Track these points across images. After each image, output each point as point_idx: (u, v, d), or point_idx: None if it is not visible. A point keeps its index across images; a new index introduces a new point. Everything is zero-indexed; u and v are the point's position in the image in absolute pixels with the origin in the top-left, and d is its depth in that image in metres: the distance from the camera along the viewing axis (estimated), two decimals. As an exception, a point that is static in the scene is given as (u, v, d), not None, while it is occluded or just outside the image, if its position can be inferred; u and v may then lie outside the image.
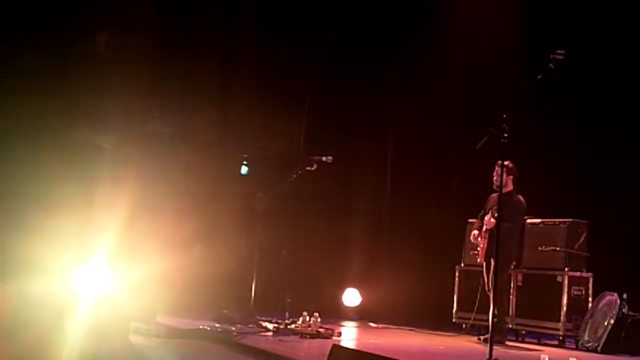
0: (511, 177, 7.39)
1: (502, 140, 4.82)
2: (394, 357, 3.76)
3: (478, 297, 7.54)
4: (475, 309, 7.63)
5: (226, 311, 7.73)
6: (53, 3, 8.28)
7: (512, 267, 7.77)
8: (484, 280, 7.46)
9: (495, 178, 7.11)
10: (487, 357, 4.86)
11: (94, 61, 8.45)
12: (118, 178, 7.44)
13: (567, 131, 8.59)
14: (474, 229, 7.65)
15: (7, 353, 4.51)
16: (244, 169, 10.42)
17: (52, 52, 7.97)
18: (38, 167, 6.20)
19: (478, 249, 7.55)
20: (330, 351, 3.63)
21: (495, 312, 6.41)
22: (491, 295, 6.87)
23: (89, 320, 5.26)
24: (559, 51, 4.83)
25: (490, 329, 5.03)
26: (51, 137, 6.73)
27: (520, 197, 7.45)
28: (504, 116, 4.81)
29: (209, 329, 6.80)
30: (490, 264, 7.27)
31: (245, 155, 10.35)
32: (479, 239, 7.52)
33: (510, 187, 7.40)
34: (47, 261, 5.41)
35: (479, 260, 7.55)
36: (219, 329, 6.88)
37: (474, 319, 7.77)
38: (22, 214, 5.67)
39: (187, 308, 8.49)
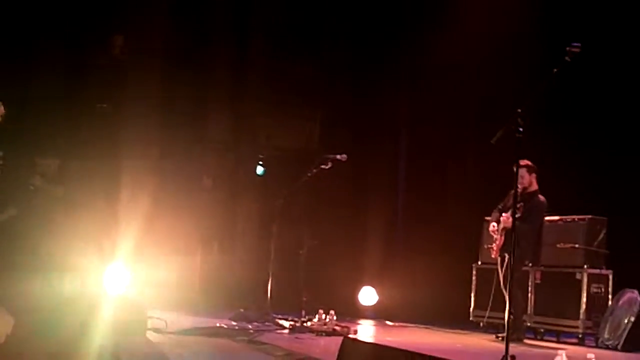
0: (534, 175, 7.35)
1: (517, 134, 4.78)
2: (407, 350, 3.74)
3: (492, 295, 7.49)
4: (491, 307, 7.58)
5: (243, 310, 7.76)
6: (69, 8, 8.37)
7: (529, 265, 7.71)
8: (498, 276, 7.42)
9: (520, 181, 6.94)
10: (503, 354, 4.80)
11: (109, 65, 8.53)
12: (139, 180, 7.52)
13: (586, 126, 8.50)
14: (492, 221, 7.60)
15: (38, 349, 4.55)
16: (259, 169, 10.45)
17: (68, 56, 8.07)
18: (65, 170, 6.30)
19: (493, 244, 7.51)
20: (342, 344, 3.62)
21: (512, 310, 6.37)
22: (506, 293, 6.83)
23: (108, 318, 5.30)
24: (575, 44, 4.78)
25: (506, 326, 4.99)
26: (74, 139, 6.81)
27: (543, 198, 7.39)
28: (519, 110, 4.77)
29: (226, 326, 6.83)
30: (504, 260, 7.24)
31: (261, 156, 10.38)
32: (495, 233, 7.47)
33: (535, 187, 7.35)
34: (76, 260, 5.47)
35: (493, 255, 7.51)
36: (236, 327, 6.90)
37: (491, 317, 7.71)
38: (52, 216, 5.75)
39: (205, 307, 8.54)
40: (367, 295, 10.01)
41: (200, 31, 9.91)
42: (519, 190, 6.40)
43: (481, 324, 8.11)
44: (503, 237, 7.38)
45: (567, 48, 4.81)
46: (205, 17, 10.00)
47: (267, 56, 10.33)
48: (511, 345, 4.81)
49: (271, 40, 10.36)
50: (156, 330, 6.06)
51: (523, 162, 6.88)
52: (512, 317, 5.83)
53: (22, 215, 5.86)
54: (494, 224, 7.53)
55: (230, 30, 10.29)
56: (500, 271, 7.36)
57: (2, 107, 5.22)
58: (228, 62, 10.26)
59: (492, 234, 7.54)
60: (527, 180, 7.25)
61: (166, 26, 9.54)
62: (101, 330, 5.07)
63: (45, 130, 7.14)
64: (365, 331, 7.98)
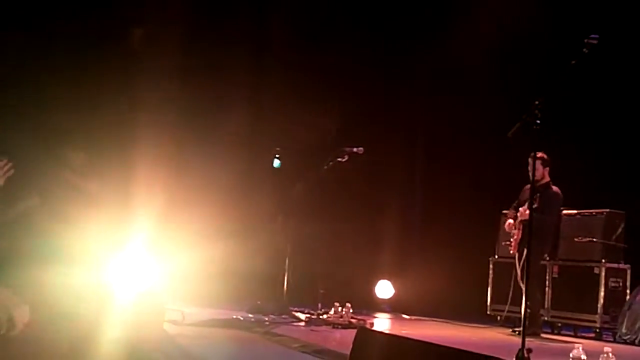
0: (547, 168, 7.32)
1: (534, 127, 4.75)
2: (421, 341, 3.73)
3: (511, 289, 7.47)
4: (510, 301, 7.56)
5: (259, 302, 7.79)
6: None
7: (547, 258, 7.67)
8: (516, 271, 7.39)
9: (529, 169, 7.00)
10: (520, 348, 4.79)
11: (128, 56, 8.57)
12: (152, 173, 7.55)
13: (604, 118, 8.42)
14: (508, 218, 7.58)
15: (55, 340, 4.59)
16: (276, 162, 10.45)
17: (87, 46, 8.12)
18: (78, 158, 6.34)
19: (511, 239, 7.49)
20: (357, 333, 3.64)
21: (529, 304, 6.34)
22: (523, 287, 6.81)
23: (126, 309, 5.33)
24: (593, 35, 4.74)
25: (522, 320, 4.97)
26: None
27: (557, 189, 7.35)
28: (536, 102, 4.74)
29: (242, 318, 6.86)
30: (522, 255, 7.20)
31: (278, 149, 10.38)
32: (513, 229, 7.45)
33: (547, 179, 7.32)
34: (88, 252, 5.51)
35: (511, 251, 7.48)
36: (252, 319, 6.93)
37: (508, 311, 7.69)
38: (64, 205, 5.78)
39: (221, 299, 8.58)
40: (384, 289, 10.01)
41: (219, 24, 9.92)
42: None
43: (498, 318, 8.09)
44: (520, 232, 7.36)
45: (585, 40, 4.78)
46: (225, 10, 10.01)
47: (285, 49, 10.33)
48: (528, 339, 4.80)
49: (290, 34, 10.35)
50: (173, 322, 6.11)
51: (538, 154, 6.87)
52: (529, 311, 5.80)
53: (45, 207, 5.88)
54: (510, 220, 7.51)
55: (249, 23, 10.30)
56: (518, 267, 7.34)
57: None
58: (246, 55, 10.27)
59: (508, 229, 7.52)
60: (540, 172, 7.22)
61: (185, 18, 9.56)
62: (118, 321, 5.11)
63: (67, 121, 7.18)
64: (382, 324, 7.99)
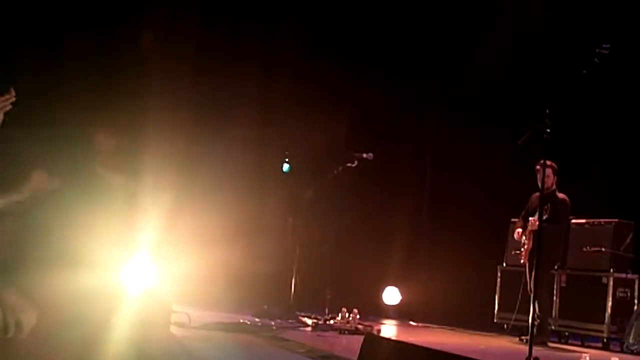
0: (556, 176, 7.31)
1: (544, 135, 4.75)
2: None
3: (519, 298, 7.44)
4: (517, 310, 7.54)
5: (266, 306, 7.80)
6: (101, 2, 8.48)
7: (556, 268, 7.65)
8: (526, 280, 7.37)
9: (538, 177, 6.99)
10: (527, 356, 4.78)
11: (139, 58, 8.61)
12: (160, 174, 7.57)
13: (613, 127, 8.40)
14: (517, 227, 7.57)
15: (62, 343, 4.61)
16: (285, 167, 10.46)
17: (98, 51, 8.17)
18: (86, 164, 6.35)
19: (522, 249, 7.47)
20: (364, 340, 3.64)
21: (537, 312, 6.32)
22: (531, 296, 6.79)
23: (133, 312, 5.35)
24: (604, 45, 4.74)
25: (529, 329, 4.96)
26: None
27: (564, 196, 7.34)
28: (547, 111, 4.74)
29: (248, 322, 6.87)
30: (533, 265, 7.18)
31: (287, 153, 10.39)
32: (523, 238, 7.43)
33: (554, 187, 7.31)
34: (95, 256, 5.52)
35: (522, 260, 7.46)
36: (259, 323, 6.94)
37: (516, 320, 7.67)
38: (71, 210, 5.79)
39: (228, 303, 8.59)
40: (391, 295, 10.00)
41: (230, 27, 9.96)
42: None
43: (505, 327, 8.06)
44: (531, 241, 7.33)
45: (597, 49, 4.77)
46: (235, 14, 10.05)
47: (295, 53, 10.35)
48: (535, 348, 4.79)
49: (300, 37, 10.37)
50: (179, 324, 6.12)
51: (547, 162, 6.85)
52: (537, 320, 5.78)
53: (65, 191, 5.85)
54: (519, 229, 7.49)
55: (259, 27, 10.33)
56: (528, 276, 7.31)
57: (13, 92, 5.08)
58: (256, 58, 10.30)
59: (517, 238, 7.50)
60: (551, 180, 7.21)
61: (195, 22, 9.60)
62: (125, 324, 5.12)
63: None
64: (388, 331, 7.98)
